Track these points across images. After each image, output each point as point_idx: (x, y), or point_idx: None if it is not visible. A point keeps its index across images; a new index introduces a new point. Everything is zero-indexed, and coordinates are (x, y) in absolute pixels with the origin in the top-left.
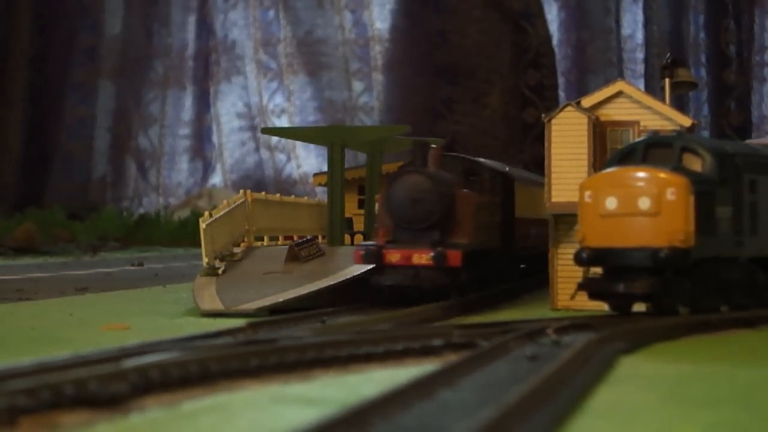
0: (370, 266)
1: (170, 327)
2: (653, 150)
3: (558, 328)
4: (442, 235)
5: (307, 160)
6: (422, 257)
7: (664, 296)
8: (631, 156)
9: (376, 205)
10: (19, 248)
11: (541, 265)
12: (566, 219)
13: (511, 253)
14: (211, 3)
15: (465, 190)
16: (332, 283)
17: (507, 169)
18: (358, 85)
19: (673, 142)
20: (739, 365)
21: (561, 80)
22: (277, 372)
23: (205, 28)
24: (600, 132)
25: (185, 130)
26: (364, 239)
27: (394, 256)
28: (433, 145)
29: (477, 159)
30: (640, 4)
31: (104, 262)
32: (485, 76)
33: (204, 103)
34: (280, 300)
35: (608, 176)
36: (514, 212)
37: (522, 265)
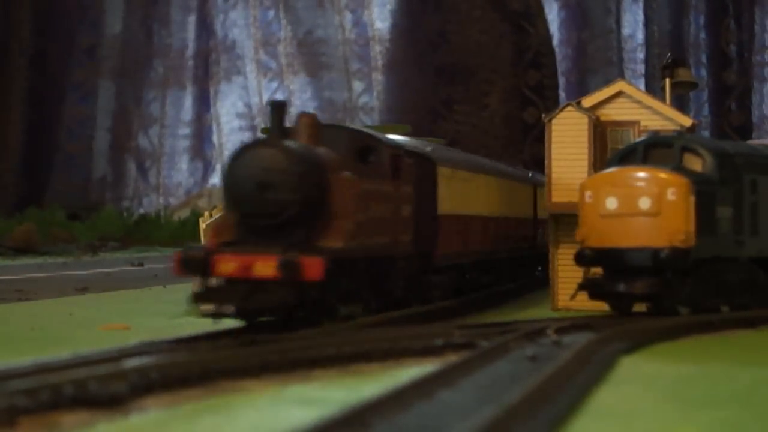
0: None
1: (170, 327)
2: (654, 150)
3: (558, 329)
4: (307, 234)
5: None
6: (266, 267)
7: (665, 296)
8: (631, 156)
9: None
10: (18, 248)
11: (490, 276)
12: (566, 219)
13: (431, 261)
14: (211, 3)
15: (347, 173)
16: None
17: (429, 149)
18: (358, 85)
19: (674, 142)
20: (739, 365)
21: (561, 80)
22: (277, 372)
23: (205, 28)
24: (600, 132)
25: (185, 130)
26: None
27: (227, 265)
28: (310, 111)
29: (374, 133)
30: (641, 4)
31: (104, 262)
32: (485, 76)
33: (204, 103)
34: None
35: (609, 176)
36: (435, 206)
37: (451, 278)
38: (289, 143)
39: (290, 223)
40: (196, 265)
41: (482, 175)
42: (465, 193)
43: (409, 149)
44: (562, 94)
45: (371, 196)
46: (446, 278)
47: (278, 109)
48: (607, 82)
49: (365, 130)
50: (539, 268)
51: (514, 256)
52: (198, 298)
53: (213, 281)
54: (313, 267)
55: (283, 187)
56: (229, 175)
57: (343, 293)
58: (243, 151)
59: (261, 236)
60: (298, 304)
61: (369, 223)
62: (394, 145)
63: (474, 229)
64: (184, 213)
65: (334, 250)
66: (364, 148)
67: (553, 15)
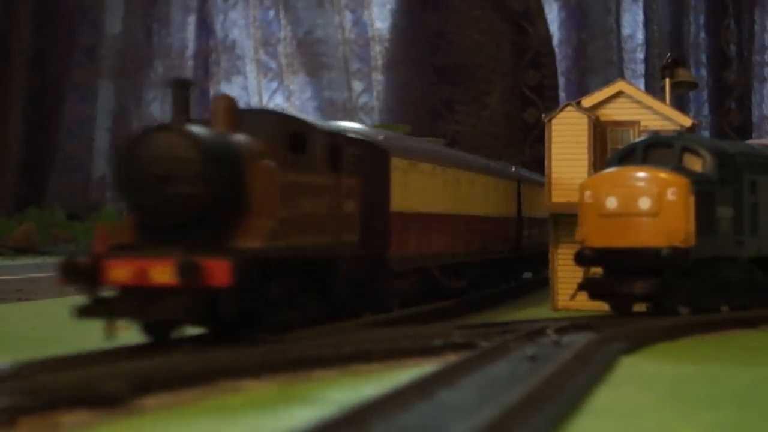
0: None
1: None
2: (653, 150)
3: (558, 329)
4: (219, 234)
5: None
6: (164, 272)
7: (665, 296)
8: (631, 156)
9: None
10: (18, 248)
11: (462, 281)
12: (566, 219)
13: (384, 264)
14: (211, 3)
15: (268, 162)
16: None
17: (381, 138)
18: (358, 85)
19: (674, 142)
20: (739, 365)
21: (561, 80)
22: (277, 372)
23: (205, 28)
24: (600, 132)
25: None
26: None
27: (120, 272)
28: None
29: (308, 119)
30: (640, 4)
31: None
32: (485, 76)
33: (204, 103)
34: None
35: (608, 176)
36: (388, 203)
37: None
38: (195, 128)
39: (197, 222)
40: (81, 273)
41: (451, 168)
42: (428, 188)
43: (354, 138)
44: (562, 94)
45: (302, 190)
46: (406, 283)
47: (180, 88)
48: (607, 82)
49: (297, 115)
50: (529, 272)
51: (492, 259)
52: (83, 312)
53: (107, 291)
54: (219, 271)
55: (186, 180)
56: (123, 167)
57: (271, 301)
58: (139, 138)
59: (162, 237)
60: (206, 314)
61: (299, 220)
62: (332, 132)
63: (440, 228)
64: None
65: (251, 251)
66: (294, 136)
67: (553, 15)
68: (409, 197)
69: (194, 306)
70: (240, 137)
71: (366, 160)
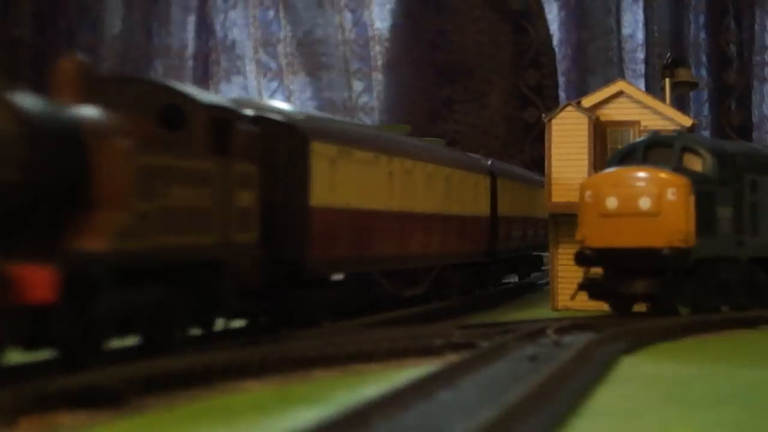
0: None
1: None
2: (654, 150)
3: (558, 329)
4: (49, 233)
5: None
6: None
7: (665, 296)
8: (631, 156)
9: None
10: None
11: (416, 289)
12: (566, 219)
13: (297, 270)
14: (211, 3)
15: (121, 140)
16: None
17: (300, 118)
18: (358, 85)
19: (674, 142)
20: (739, 365)
21: (561, 80)
22: (278, 372)
23: (205, 28)
24: (600, 132)
25: None
26: None
27: None
28: (79, 57)
29: (187, 89)
30: (640, 4)
31: None
32: (485, 76)
33: None
34: None
35: (609, 176)
36: (306, 196)
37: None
38: (17, 96)
39: (19, 218)
40: None
41: (399, 158)
42: (368, 180)
43: (255, 115)
44: (562, 94)
45: (172, 177)
46: (335, 293)
47: (13, 44)
48: (607, 82)
49: (173, 84)
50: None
51: (458, 263)
52: None
53: None
54: (39, 282)
55: (2, 163)
56: None
57: (130, 318)
58: None
59: None
60: (36, 337)
61: (167, 215)
62: (219, 106)
63: (385, 228)
64: None
65: (92, 255)
66: (166, 109)
67: (553, 15)
68: (340, 190)
69: (9, 329)
70: (86, 110)
71: (273, 144)
